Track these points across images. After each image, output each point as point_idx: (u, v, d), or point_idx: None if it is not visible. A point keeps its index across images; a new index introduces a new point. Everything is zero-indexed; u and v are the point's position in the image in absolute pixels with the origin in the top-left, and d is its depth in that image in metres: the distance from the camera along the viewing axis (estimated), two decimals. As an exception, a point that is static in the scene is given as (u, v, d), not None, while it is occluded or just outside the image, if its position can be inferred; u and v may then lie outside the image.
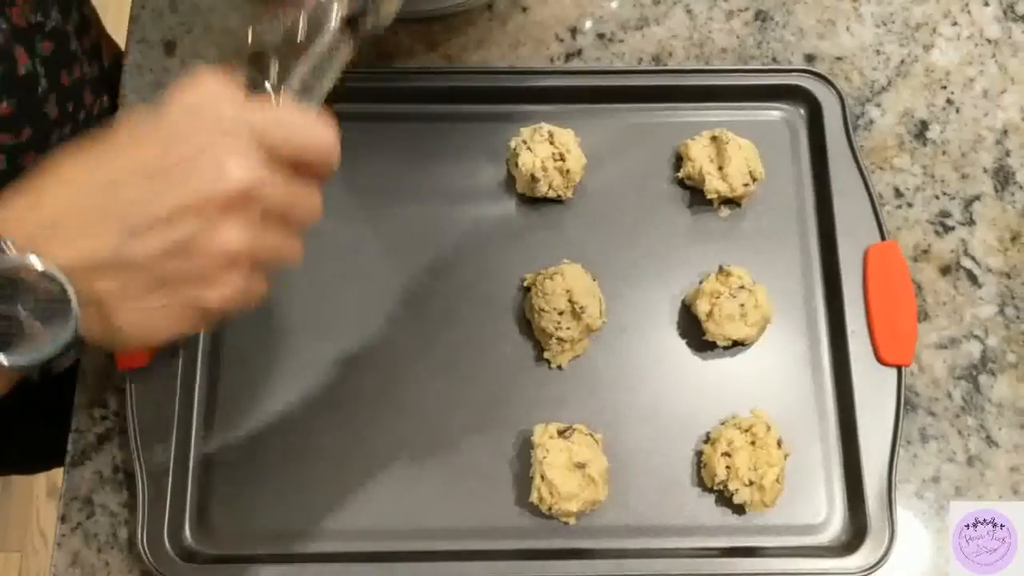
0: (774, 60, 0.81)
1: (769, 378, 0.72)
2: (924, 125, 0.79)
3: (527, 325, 0.72)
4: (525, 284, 0.73)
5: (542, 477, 0.65)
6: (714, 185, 0.73)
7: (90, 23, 0.77)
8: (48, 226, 0.39)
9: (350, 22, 0.47)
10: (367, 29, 0.50)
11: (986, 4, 0.83)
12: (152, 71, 0.79)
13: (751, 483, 0.66)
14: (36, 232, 0.38)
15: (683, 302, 0.73)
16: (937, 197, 0.77)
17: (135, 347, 0.43)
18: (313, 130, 0.44)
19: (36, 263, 0.37)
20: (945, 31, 0.82)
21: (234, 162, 0.40)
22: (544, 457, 0.66)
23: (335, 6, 0.46)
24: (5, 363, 0.38)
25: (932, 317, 0.74)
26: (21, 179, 0.41)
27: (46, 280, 0.38)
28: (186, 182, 0.40)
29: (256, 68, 0.45)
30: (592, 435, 0.68)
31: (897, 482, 0.68)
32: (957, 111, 0.80)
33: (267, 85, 0.44)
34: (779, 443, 0.67)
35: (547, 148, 0.73)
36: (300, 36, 0.45)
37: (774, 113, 0.79)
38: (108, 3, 1.80)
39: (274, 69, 0.45)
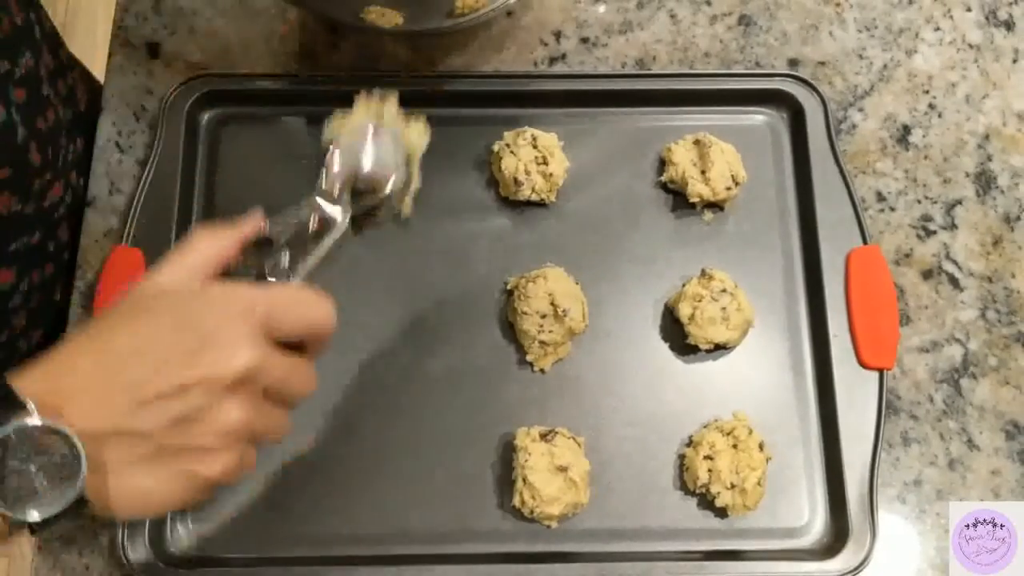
0: (757, 64, 0.81)
1: (751, 381, 0.72)
2: (906, 130, 0.79)
3: (510, 328, 0.72)
4: (508, 287, 0.73)
5: (524, 480, 0.65)
6: (697, 189, 0.73)
7: (65, 67, 0.75)
8: (68, 394, 0.41)
9: (354, 220, 0.54)
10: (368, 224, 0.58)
11: (968, 9, 0.83)
12: (135, 73, 0.79)
13: (733, 486, 0.66)
14: (57, 398, 0.41)
15: (666, 305, 0.73)
16: (919, 201, 0.77)
17: (130, 514, 0.44)
18: (315, 308, 0.48)
19: (57, 427, 0.40)
20: (928, 36, 0.82)
21: (242, 346, 0.43)
22: (526, 460, 0.66)
23: (342, 213, 0.53)
24: (10, 515, 0.40)
25: (914, 321, 0.74)
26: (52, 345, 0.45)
27: (60, 442, 0.40)
28: (195, 361, 0.43)
29: (262, 254, 0.50)
30: (574, 438, 0.68)
31: (879, 485, 0.68)
32: (939, 116, 0.80)
33: (281, 267, 0.50)
34: (761, 446, 0.68)
35: (530, 152, 0.73)
36: (311, 229, 0.51)
37: (757, 117, 0.79)
38: (96, 5, 1.80)
39: (284, 257, 0.50)
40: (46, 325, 0.75)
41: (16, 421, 0.40)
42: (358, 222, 0.55)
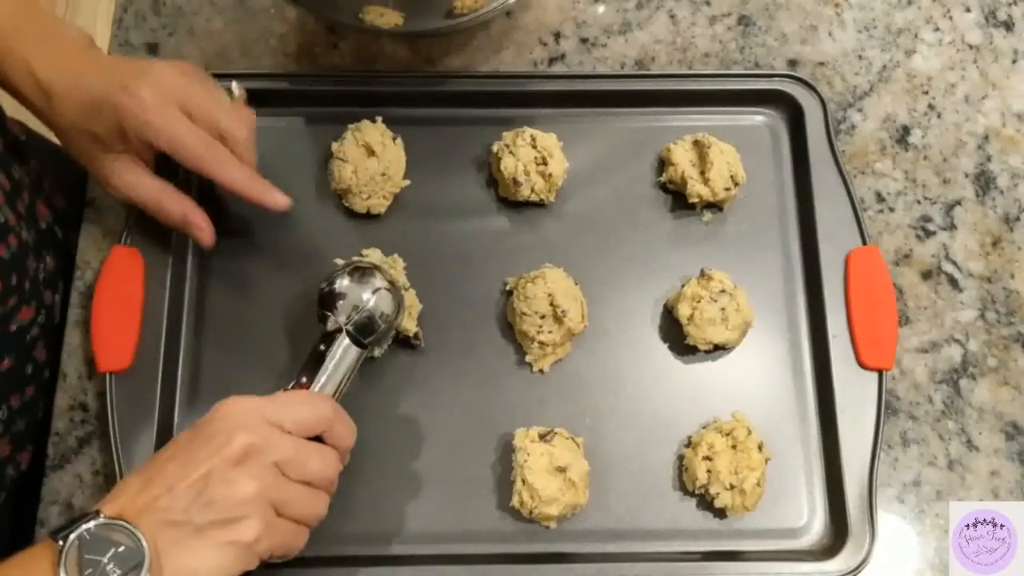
0: (756, 65, 0.81)
1: (750, 382, 0.72)
2: (906, 130, 0.80)
3: (509, 329, 0.72)
4: (507, 288, 0.73)
5: (523, 481, 0.65)
6: (696, 189, 0.73)
7: (22, 187, 0.71)
8: (125, 501, 0.53)
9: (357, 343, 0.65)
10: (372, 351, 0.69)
11: (968, 10, 0.83)
12: (135, 74, 0.79)
13: (732, 487, 0.66)
14: (118, 506, 0.53)
15: (665, 306, 0.73)
16: (918, 202, 0.77)
17: None
18: (306, 407, 0.59)
19: (120, 522, 0.51)
20: (927, 37, 0.82)
21: (240, 430, 0.55)
22: (525, 461, 0.65)
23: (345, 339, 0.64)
24: None
25: (913, 321, 0.74)
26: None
27: (125, 536, 0.51)
28: (209, 452, 0.54)
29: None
30: (573, 439, 0.68)
31: (878, 486, 0.68)
32: (939, 116, 0.80)
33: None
34: (760, 447, 0.67)
35: (530, 152, 0.73)
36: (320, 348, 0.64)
37: (756, 118, 0.79)
38: (97, 5, 1.80)
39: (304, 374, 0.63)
40: (34, 446, 0.72)
41: (88, 523, 0.51)
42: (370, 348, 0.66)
